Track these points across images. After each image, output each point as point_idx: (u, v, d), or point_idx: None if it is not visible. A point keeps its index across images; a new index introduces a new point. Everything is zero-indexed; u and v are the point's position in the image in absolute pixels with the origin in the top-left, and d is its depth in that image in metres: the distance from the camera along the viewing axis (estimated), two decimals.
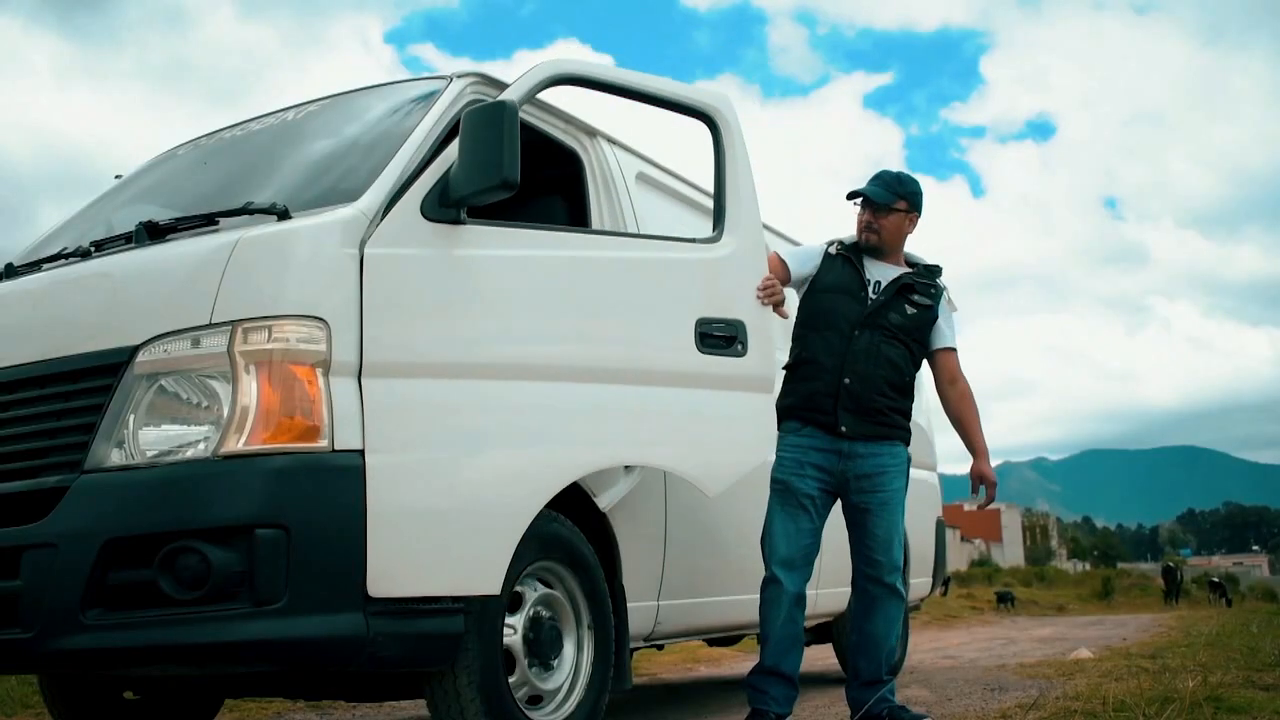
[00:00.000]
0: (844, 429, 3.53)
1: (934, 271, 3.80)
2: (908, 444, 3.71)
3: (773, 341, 3.45)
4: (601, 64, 3.37)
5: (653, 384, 3.13)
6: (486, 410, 2.77)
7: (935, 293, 3.74)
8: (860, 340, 3.57)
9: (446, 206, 2.75)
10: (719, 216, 3.41)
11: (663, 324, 3.18)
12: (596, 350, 3.04)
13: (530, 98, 3.05)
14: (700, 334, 3.22)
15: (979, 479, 3.73)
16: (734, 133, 3.47)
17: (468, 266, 2.81)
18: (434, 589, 2.60)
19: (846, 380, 3.53)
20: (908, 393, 3.69)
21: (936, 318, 3.73)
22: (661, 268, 3.26)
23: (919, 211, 3.74)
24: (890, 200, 3.67)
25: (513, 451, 2.81)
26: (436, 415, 2.70)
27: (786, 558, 3.53)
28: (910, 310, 3.65)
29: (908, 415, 3.71)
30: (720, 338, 3.26)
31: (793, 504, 3.55)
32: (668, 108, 3.41)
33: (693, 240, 3.38)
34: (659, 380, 3.15)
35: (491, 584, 2.71)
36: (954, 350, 3.77)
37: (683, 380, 3.18)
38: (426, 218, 2.73)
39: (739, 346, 3.29)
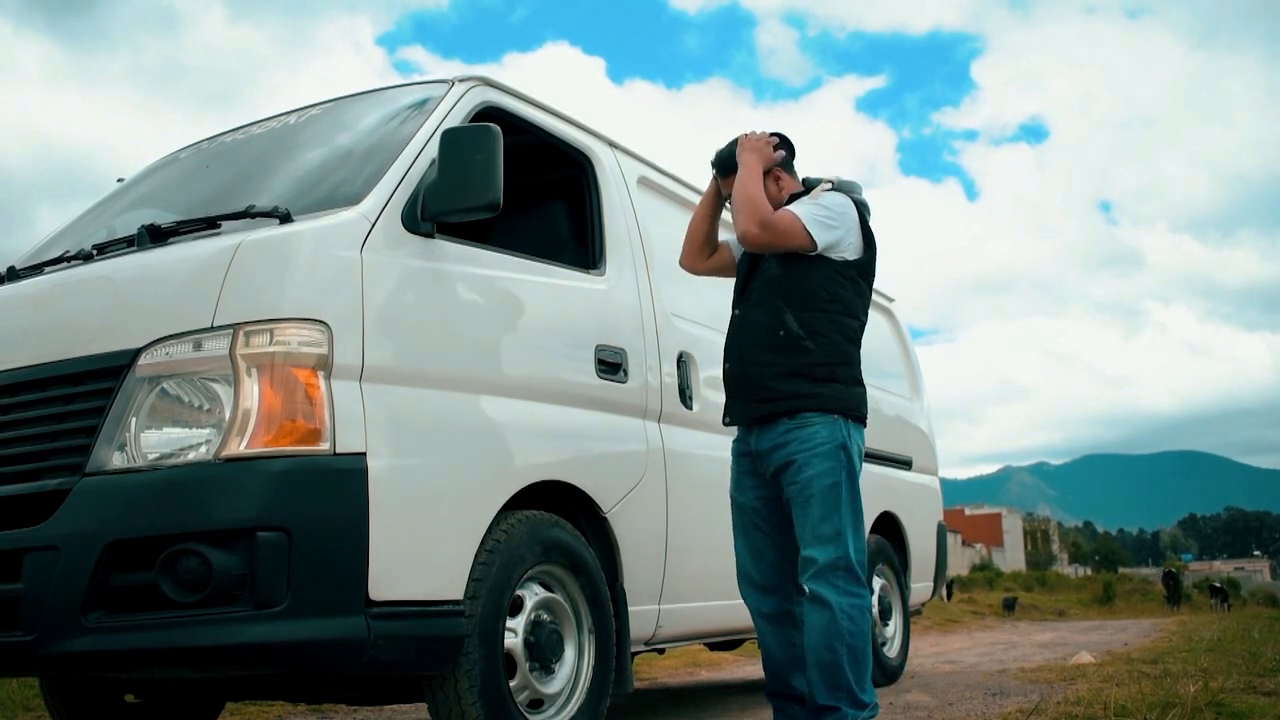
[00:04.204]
0: (728, 419, 3.30)
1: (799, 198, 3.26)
2: (832, 408, 3.09)
3: (654, 370, 3.61)
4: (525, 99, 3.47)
5: (571, 404, 3.25)
6: (474, 417, 2.85)
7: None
8: (735, 320, 3.30)
9: (423, 220, 2.80)
10: (599, 251, 3.59)
11: (577, 347, 3.33)
12: (533, 369, 3.13)
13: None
14: (597, 359, 3.36)
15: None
16: (608, 172, 3.71)
17: (437, 279, 2.85)
18: (435, 592, 2.61)
19: (727, 366, 3.29)
20: (798, 349, 3.10)
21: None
22: (575, 295, 3.40)
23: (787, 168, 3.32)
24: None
25: (499, 456, 2.91)
26: (435, 420, 2.73)
27: (751, 579, 3.29)
28: (770, 254, 3.19)
29: (814, 375, 3.09)
30: (609, 364, 3.42)
31: (745, 521, 3.30)
32: (538, 149, 3.60)
33: (584, 270, 3.50)
34: (574, 401, 3.26)
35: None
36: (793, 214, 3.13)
37: (586, 402, 3.31)
38: (406, 228, 2.78)
39: (622, 373, 3.46)
